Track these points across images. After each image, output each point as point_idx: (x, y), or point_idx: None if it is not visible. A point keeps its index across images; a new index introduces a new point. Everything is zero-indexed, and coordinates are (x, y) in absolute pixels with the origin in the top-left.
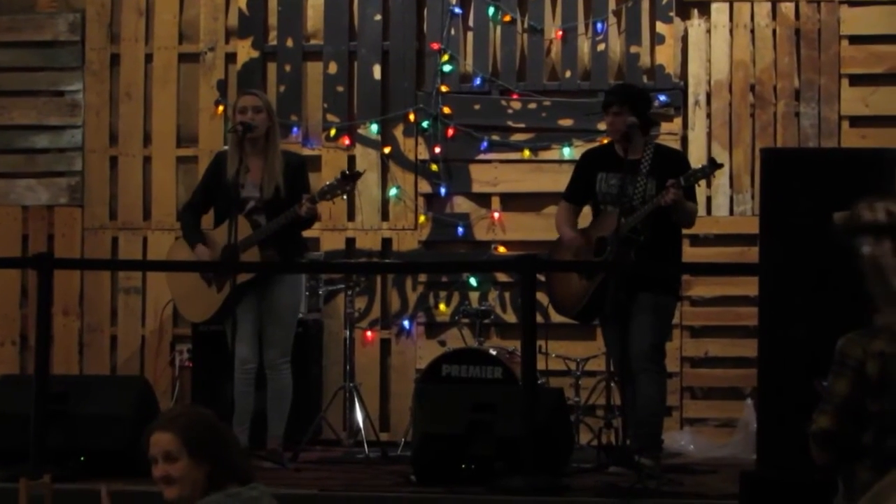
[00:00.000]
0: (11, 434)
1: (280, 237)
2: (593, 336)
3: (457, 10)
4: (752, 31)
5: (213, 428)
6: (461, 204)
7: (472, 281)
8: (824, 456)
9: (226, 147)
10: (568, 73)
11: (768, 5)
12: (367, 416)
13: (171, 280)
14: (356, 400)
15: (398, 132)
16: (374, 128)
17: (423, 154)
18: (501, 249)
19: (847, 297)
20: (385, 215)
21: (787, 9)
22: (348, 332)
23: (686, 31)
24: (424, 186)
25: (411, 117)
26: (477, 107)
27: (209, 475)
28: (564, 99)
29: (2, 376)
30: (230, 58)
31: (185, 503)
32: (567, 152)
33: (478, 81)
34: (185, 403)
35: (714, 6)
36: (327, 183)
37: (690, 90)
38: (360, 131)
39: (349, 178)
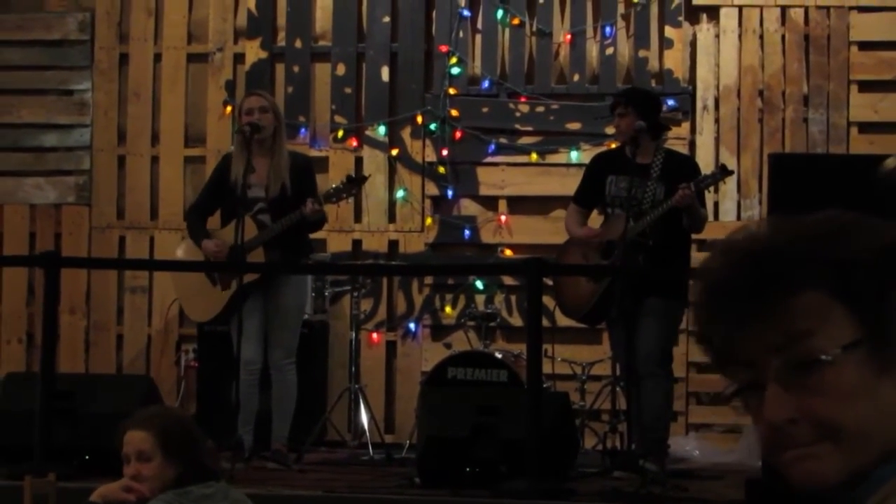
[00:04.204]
0: (17, 432)
1: (286, 239)
2: (599, 340)
3: (465, 12)
4: (762, 37)
5: (188, 431)
6: (468, 206)
7: (479, 284)
8: None
9: (233, 148)
10: (576, 77)
11: (778, 10)
12: (371, 418)
13: (177, 279)
14: (361, 401)
15: (406, 134)
16: (382, 130)
17: (431, 156)
18: (508, 252)
19: None
20: (392, 217)
21: (797, 14)
22: (354, 334)
23: (695, 35)
24: (431, 189)
25: (419, 119)
26: (485, 109)
27: (179, 477)
28: (572, 102)
29: (8, 374)
30: (238, 58)
31: (144, 502)
32: (574, 156)
33: (486, 84)
34: (161, 404)
35: (723, 11)
36: (333, 186)
37: (699, 95)
38: (367, 133)
39: (355, 182)
